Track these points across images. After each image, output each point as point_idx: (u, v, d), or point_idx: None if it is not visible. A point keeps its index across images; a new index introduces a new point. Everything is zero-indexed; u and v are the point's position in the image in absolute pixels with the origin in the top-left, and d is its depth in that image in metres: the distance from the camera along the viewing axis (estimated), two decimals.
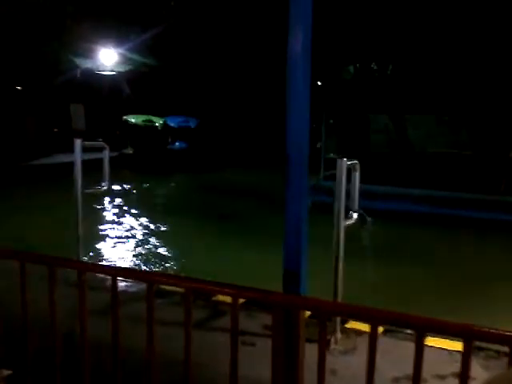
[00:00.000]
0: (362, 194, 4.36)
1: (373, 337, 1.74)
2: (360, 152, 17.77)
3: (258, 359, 3.33)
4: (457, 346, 3.78)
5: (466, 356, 1.71)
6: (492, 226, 10.81)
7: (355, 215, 4.19)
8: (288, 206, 2.36)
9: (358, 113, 20.58)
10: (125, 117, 23.34)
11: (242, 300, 2.37)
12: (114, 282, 2.26)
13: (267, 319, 4.35)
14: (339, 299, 3.94)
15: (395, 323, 1.86)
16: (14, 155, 19.69)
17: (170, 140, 23.32)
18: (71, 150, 5.29)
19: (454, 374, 3.51)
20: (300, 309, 1.96)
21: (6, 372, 2.53)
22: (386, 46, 18.32)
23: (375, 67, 20.95)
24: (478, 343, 2.81)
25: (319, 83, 19.99)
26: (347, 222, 4.03)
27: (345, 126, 20.15)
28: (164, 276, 2.25)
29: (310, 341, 2.69)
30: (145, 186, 18.11)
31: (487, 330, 1.64)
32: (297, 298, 2.12)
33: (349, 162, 4.00)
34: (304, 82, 2.40)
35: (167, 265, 8.55)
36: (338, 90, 20.38)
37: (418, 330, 1.74)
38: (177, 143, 23.36)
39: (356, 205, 4.22)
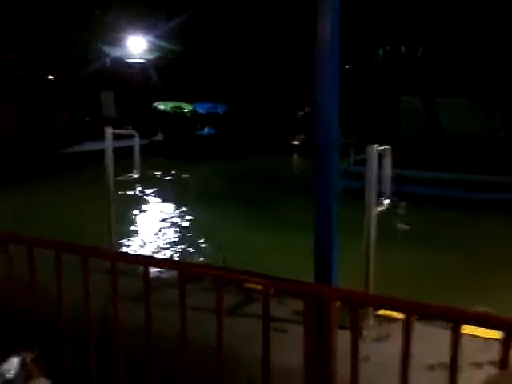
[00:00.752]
0: (393, 178, 4.28)
1: (407, 328, 1.72)
2: (390, 136, 17.53)
3: (289, 345, 3.32)
4: (491, 333, 3.72)
5: (505, 346, 1.67)
6: None
7: (386, 201, 4.12)
8: (318, 195, 2.33)
9: (387, 96, 20.25)
10: (154, 104, 23.50)
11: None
12: (146, 270, 2.29)
13: (298, 305, 4.32)
14: (371, 286, 3.90)
15: (430, 314, 1.82)
16: (47, 143, 20.07)
17: (198, 126, 23.41)
18: (102, 137, 5.35)
19: (490, 362, 3.45)
20: (332, 300, 1.95)
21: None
22: (416, 27, 17.91)
23: (405, 50, 20.53)
24: None
25: (347, 66, 19.72)
26: (378, 209, 3.97)
27: (375, 110, 19.87)
28: (193, 265, 2.26)
29: (342, 327, 2.68)
30: (175, 172, 18.24)
31: None
32: (328, 288, 2.10)
33: (380, 148, 3.93)
34: (333, 68, 2.36)
35: (204, 250, 8.61)
36: (367, 73, 20.08)
37: (454, 322, 1.71)
38: (205, 129, 23.45)
39: (388, 191, 4.15)
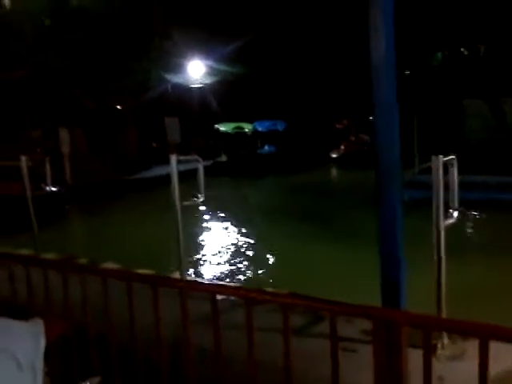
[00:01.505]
0: (460, 185, 4.11)
1: (483, 353, 1.65)
2: (455, 141, 16.97)
3: (359, 366, 3.27)
4: None
5: None
6: None
7: (456, 213, 3.98)
8: (382, 213, 2.30)
9: (450, 100, 19.65)
10: (216, 126, 23.99)
11: None
12: (214, 298, 2.33)
13: (366, 325, 4.26)
14: (443, 306, 3.77)
15: (508, 339, 1.74)
16: (118, 170, 20.89)
17: (259, 144, 23.64)
18: (169, 161, 5.51)
19: None
20: (402, 325, 1.91)
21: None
22: (476, 27, 17.35)
23: (466, 52, 19.91)
24: None
25: (407, 72, 19.36)
26: (447, 222, 3.84)
27: (438, 115, 19.33)
28: (261, 293, 2.28)
29: (414, 346, 2.61)
30: (240, 192, 18.46)
31: None
32: (398, 312, 2.05)
33: (445, 158, 3.81)
34: (390, 84, 2.34)
35: (270, 273, 8.61)
36: (427, 77, 19.61)
37: None
38: (266, 147, 23.65)
39: (456, 202, 4.01)
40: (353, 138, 25.55)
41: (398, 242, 2.22)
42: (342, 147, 25.03)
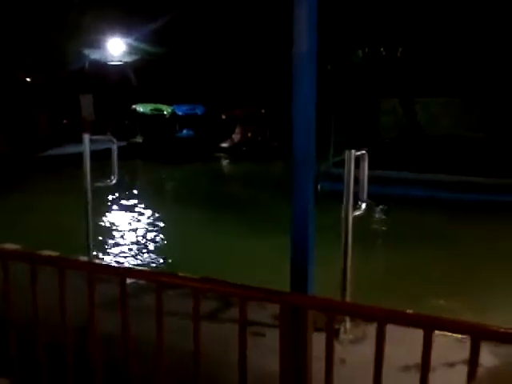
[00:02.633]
0: (371, 179, 4.31)
1: (380, 336, 1.75)
2: (369, 136, 17.70)
3: (268, 349, 3.35)
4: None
5: (474, 353, 1.71)
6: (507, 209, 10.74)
7: (364, 205, 4.17)
8: (295, 202, 2.35)
9: (367, 96, 20.43)
10: (133, 106, 23.38)
11: None
12: (123, 282, 2.29)
13: (277, 310, 4.37)
14: (348, 290, 3.94)
15: (404, 322, 1.85)
16: (26, 147, 19.84)
17: (177, 128, 23.32)
18: (81, 140, 5.32)
19: (463, 361, 3.52)
20: (308, 309, 1.97)
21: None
22: (395, 28, 18.11)
23: (384, 52, 20.74)
24: None
25: (328, 67, 19.85)
26: (356, 213, 4.01)
27: (354, 110, 20.03)
28: (172, 276, 2.26)
29: (318, 330, 2.70)
30: (154, 176, 18.19)
31: (496, 329, 1.63)
32: (304, 297, 2.12)
33: (357, 153, 3.97)
34: (310, 77, 2.38)
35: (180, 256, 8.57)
36: (347, 73, 20.24)
37: (426, 329, 1.74)
38: (184, 131, 23.35)
39: (365, 195, 4.20)
40: (249, 128, 23.56)
41: (310, 231, 2.29)
42: (236, 137, 23.31)
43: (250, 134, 23.19)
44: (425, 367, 1.81)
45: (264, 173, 18.43)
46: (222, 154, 23.13)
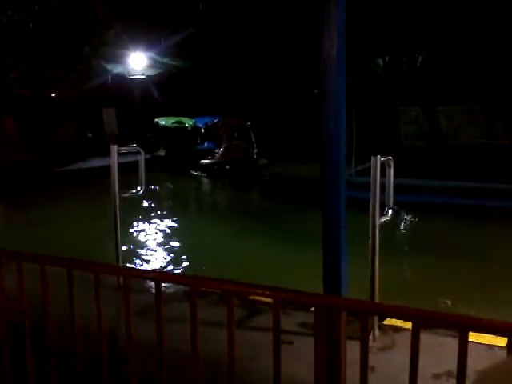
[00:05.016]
0: (395, 187, 4.32)
1: (415, 337, 1.76)
2: (391, 145, 17.61)
3: (297, 357, 3.36)
4: (496, 340, 3.74)
5: (510, 352, 1.70)
6: None
7: (390, 212, 4.16)
8: (327, 204, 2.38)
9: (388, 106, 20.36)
10: (156, 119, 23.66)
11: None
12: (158, 286, 2.32)
13: (303, 317, 4.38)
14: (376, 297, 3.93)
15: (438, 322, 1.86)
16: (51, 161, 20.19)
17: (199, 140, 23.49)
18: (105, 153, 5.43)
19: None
20: (341, 310, 1.99)
21: None
22: (415, 37, 18.06)
23: (405, 59, 20.70)
24: None
25: (347, 77, 19.83)
26: (383, 219, 4.01)
27: (375, 120, 19.98)
28: (205, 279, 2.29)
29: (349, 338, 2.71)
30: (179, 187, 18.34)
31: None
32: (337, 299, 2.13)
33: (382, 159, 3.98)
34: (339, 84, 2.42)
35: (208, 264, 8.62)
36: (367, 83, 20.22)
37: (461, 329, 1.74)
38: (205, 143, 23.54)
39: (391, 201, 4.20)
40: (235, 143, 21.23)
41: (342, 233, 2.31)
42: (220, 153, 20.82)
43: (234, 151, 20.66)
44: (461, 370, 1.81)
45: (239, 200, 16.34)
46: (198, 173, 20.56)
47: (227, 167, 19.93)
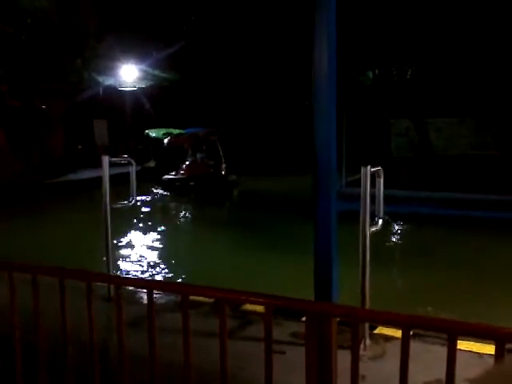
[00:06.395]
0: (385, 198, 4.37)
1: (405, 342, 1.78)
2: (381, 157, 17.75)
3: (289, 367, 3.36)
4: (486, 348, 3.76)
5: (498, 359, 1.73)
6: None
7: (381, 221, 4.20)
8: (318, 213, 2.41)
9: (378, 118, 20.53)
10: (146, 131, 23.68)
11: None
12: (150, 294, 2.33)
13: (294, 327, 4.38)
14: (367, 305, 3.95)
15: (427, 327, 1.89)
16: (41, 172, 20.11)
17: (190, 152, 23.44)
18: (95, 165, 5.43)
19: None
20: (332, 316, 2.01)
21: None
22: (405, 50, 18.28)
23: (395, 72, 20.92)
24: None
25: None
26: (373, 229, 4.04)
27: (365, 132, 20.11)
28: (197, 288, 2.30)
29: (340, 347, 2.72)
30: (169, 198, 18.31)
31: None
32: (329, 305, 2.15)
33: (372, 169, 4.03)
34: (330, 97, 2.46)
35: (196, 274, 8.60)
36: (357, 95, 20.40)
37: (450, 334, 1.77)
38: (197, 155, 23.53)
39: (381, 211, 4.24)
40: (201, 158, 19.82)
41: (333, 239, 2.34)
42: (183, 168, 19.13)
43: (199, 165, 19.17)
44: (449, 375, 1.83)
45: None
46: (159, 190, 18.81)
47: (191, 183, 18.23)
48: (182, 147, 20.07)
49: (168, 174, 18.81)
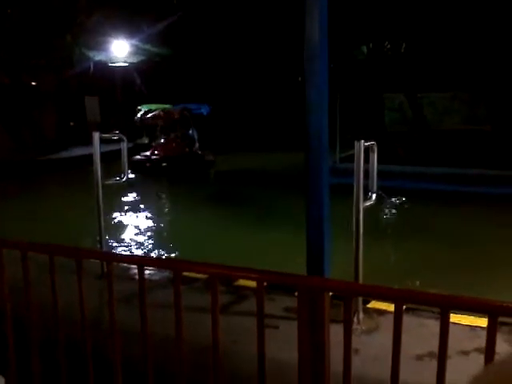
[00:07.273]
0: (380, 174, 4.35)
1: (398, 316, 1.77)
2: (375, 132, 17.69)
3: (283, 341, 3.37)
4: (478, 321, 3.80)
5: (491, 332, 1.72)
6: None
7: (374, 196, 4.19)
8: (310, 190, 2.38)
9: (372, 92, 20.40)
10: (138, 107, 23.44)
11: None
12: (141, 270, 2.31)
13: (287, 302, 4.40)
14: (360, 280, 3.96)
15: (420, 301, 1.88)
16: (33, 150, 19.95)
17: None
18: (87, 142, 5.36)
19: (477, 350, 3.53)
20: (325, 291, 1.99)
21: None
22: (399, 24, 18.07)
23: (388, 46, 20.72)
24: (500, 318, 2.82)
25: (332, 65, 19.81)
26: (366, 203, 4.03)
27: (359, 106, 20.02)
28: (190, 263, 2.28)
29: (333, 321, 2.73)
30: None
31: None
32: (321, 280, 2.14)
33: (366, 144, 3.99)
34: (322, 71, 2.41)
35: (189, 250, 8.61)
36: (351, 70, 20.23)
37: (443, 308, 1.76)
38: (190, 131, 23.38)
39: (375, 186, 4.22)
40: (172, 137, 18.79)
41: (325, 213, 2.31)
42: (157, 148, 17.95)
43: (173, 145, 18.12)
44: (442, 349, 1.83)
45: None
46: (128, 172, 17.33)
47: (164, 164, 17.10)
48: (155, 125, 19.16)
49: (139, 154, 17.58)
